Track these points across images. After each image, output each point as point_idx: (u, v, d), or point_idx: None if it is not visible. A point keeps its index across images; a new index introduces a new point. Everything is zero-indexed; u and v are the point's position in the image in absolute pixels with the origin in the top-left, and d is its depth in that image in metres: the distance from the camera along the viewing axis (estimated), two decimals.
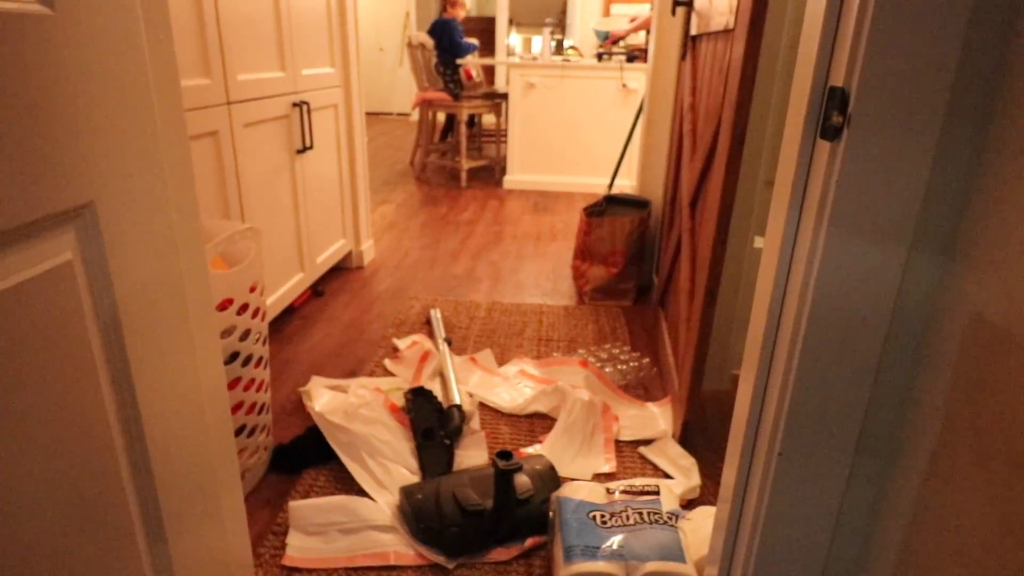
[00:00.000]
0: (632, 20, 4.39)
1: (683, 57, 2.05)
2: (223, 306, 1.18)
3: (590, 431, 1.52)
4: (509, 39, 7.55)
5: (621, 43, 4.40)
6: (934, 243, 0.65)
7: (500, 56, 7.06)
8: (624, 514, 1.13)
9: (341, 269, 2.71)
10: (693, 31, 1.84)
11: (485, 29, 7.95)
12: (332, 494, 1.33)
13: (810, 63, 0.67)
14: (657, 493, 1.19)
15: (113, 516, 0.67)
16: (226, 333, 1.19)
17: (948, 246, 0.64)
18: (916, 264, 0.65)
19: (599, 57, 4.25)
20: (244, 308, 1.24)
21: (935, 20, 0.58)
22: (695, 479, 1.38)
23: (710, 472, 1.43)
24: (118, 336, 0.66)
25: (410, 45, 4.48)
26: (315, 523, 1.22)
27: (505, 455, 1.17)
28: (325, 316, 2.26)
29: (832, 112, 0.64)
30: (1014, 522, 0.54)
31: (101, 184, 0.62)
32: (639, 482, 1.24)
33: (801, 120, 0.68)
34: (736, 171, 1.25)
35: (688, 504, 1.33)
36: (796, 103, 0.70)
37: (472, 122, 5.41)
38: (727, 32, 1.37)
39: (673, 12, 1.91)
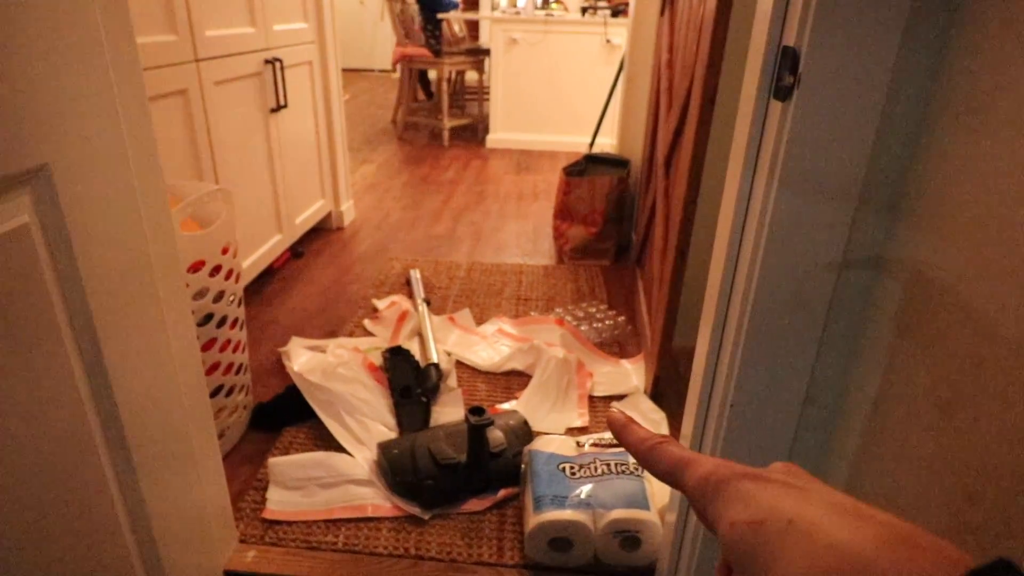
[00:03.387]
0: None
1: (662, 12, 2.03)
2: (195, 268, 1.19)
3: (564, 387, 1.56)
4: None
5: None
6: (879, 201, 0.66)
7: (484, 10, 6.88)
8: (592, 465, 1.17)
9: (321, 230, 2.70)
10: None
11: None
12: (311, 451, 1.36)
13: (765, 22, 0.67)
14: None
15: (85, 474, 0.69)
16: (199, 295, 1.20)
17: (893, 204, 0.66)
18: (862, 221, 0.67)
19: (583, 11, 4.17)
20: (217, 270, 1.24)
21: None
22: (664, 431, 1.42)
23: (679, 425, 1.48)
24: (81, 298, 0.67)
25: None
26: (295, 478, 1.25)
27: (477, 411, 1.20)
28: (305, 277, 2.26)
29: (784, 72, 0.65)
30: (940, 465, 0.57)
31: (56, 146, 0.62)
32: (609, 435, 1.28)
33: (756, 79, 0.69)
34: (706, 130, 1.26)
35: None
36: (752, 63, 0.71)
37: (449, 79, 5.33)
38: None
39: None
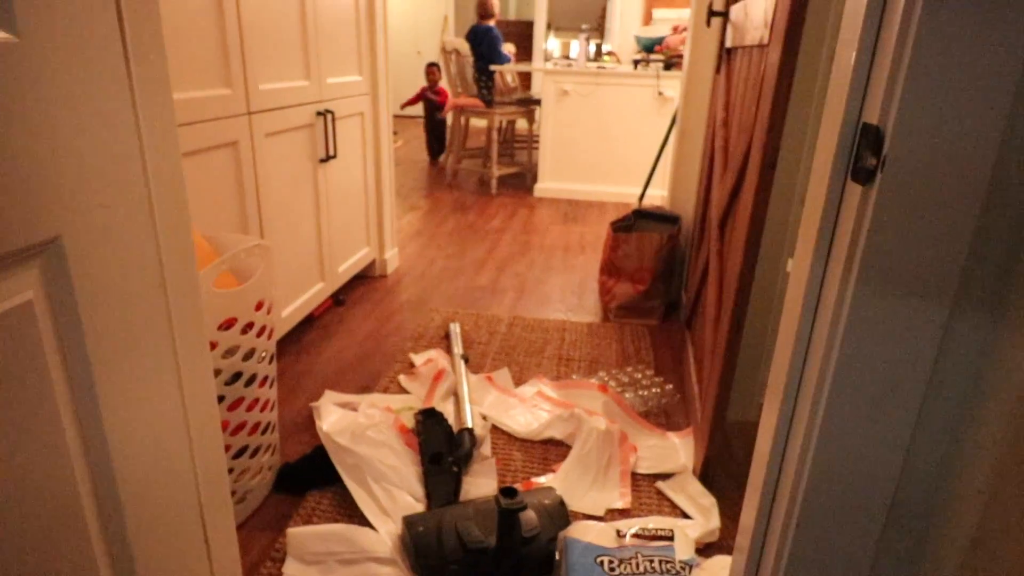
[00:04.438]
0: (676, 29, 4.30)
1: (718, 70, 1.97)
2: (227, 324, 1.16)
3: (605, 462, 1.45)
4: (547, 43, 7.49)
5: (663, 53, 4.30)
6: (979, 304, 0.57)
7: (537, 61, 7.01)
8: (634, 561, 1.06)
9: (364, 277, 2.69)
10: (728, 43, 1.76)
11: (523, 33, 7.91)
12: (334, 520, 1.30)
13: (842, 96, 0.60)
14: (671, 539, 1.12)
15: (75, 563, 0.64)
16: (228, 353, 1.17)
17: (996, 308, 0.56)
18: (958, 327, 0.58)
19: (635, 64, 4.16)
20: (249, 327, 1.21)
21: (987, 51, 0.51)
22: (714, 521, 1.30)
23: (731, 512, 1.35)
24: (86, 374, 0.63)
25: (444, 51, 4.47)
26: (314, 552, 1.18)
27: (509, 492, 1.11)
28: (344, 327, 2.23)
29: (865, 152, 0.57)
30: None
31: (70, 216, 0.59)
32: (652, 524, 1.17)
33: (830, 159, 0.61)
34: (766, 197, 1.17)
35: (706, 548, 1.25)
36: (825, 139, 0.63)
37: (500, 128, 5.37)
38: (762, 47, 1.29)
39: (708, 23, 1.83)
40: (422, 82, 5.63)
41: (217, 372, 1.16)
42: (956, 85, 0.52)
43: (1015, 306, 0.55)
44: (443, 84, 5.41)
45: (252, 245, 1.21)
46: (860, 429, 0.63)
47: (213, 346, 1.13)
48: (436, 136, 5.53)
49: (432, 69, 5.51)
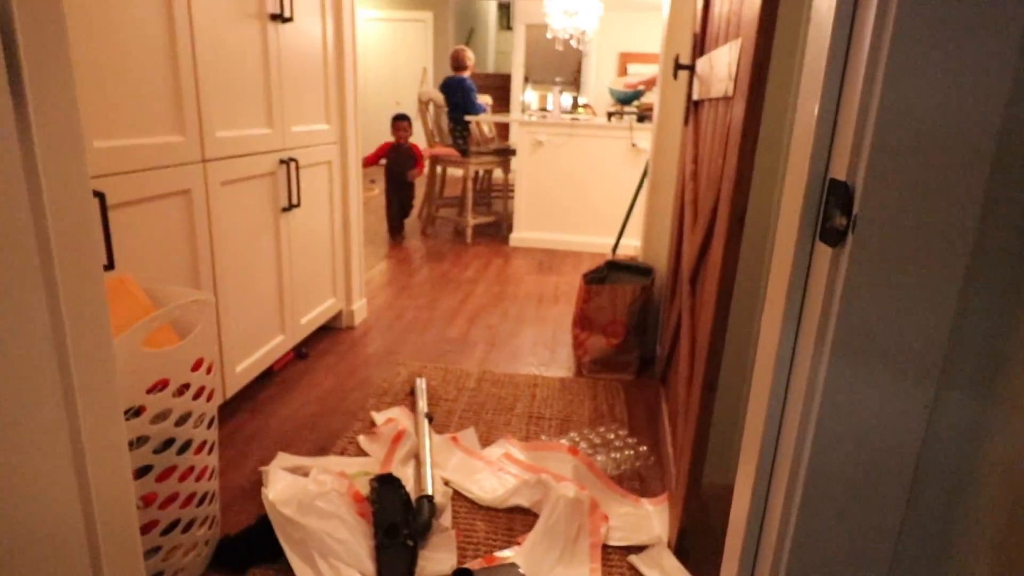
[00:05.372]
0: (638, 82, 4.38)
1: (686, 122, 1.96)
2: (159, 386, 1.06)
3: (574, 534, 1.35)
4: (524, 95, 7.63)
5: (635, 102, 4.37)
6: (969, 379, 0.51)
7: (515, 113, 7.11)
8: None
9: (330, 329, 2.60)
10: (695, 96, 1.75)
11: (502, 86, 8.06)
12: None
13: (806, 149, 0.55)
14: None
15: None
16: (159, 418, 1.06)
17: (986, 384, 0.50)
18: (947, 405, 0.51)
19: (609, 116, 4.21)
20: (184, 388, 1.11)
21: (967, 99, 0.46)
22: None
23: None
24: None
25: (420, 101, 4.50)
26: None
27: (463, 574, 1.01)
28: (305, 381, 2.13)
29: (833, 211, 0.51)
30: None
31: None
32: None
33: (796, 218, 0.56)
34: (736, 252, 1.12)
35: None
36: (791, 196, 0.58)
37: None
38: (727, 100, 1.26)
39: (675, 76, 1.83)
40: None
41: (145, 439, 1.05)
42: (932, 137, 0.47)
43: (1008, 382, 0.49)
44: (416, 140, 4.58)
45: (189, 301, 1.13)
46: (840, 528, 0.56)
47: (141, 411, 1.03)
48: (400, 203, 4.43)
49: (401, 124, 4.39)
